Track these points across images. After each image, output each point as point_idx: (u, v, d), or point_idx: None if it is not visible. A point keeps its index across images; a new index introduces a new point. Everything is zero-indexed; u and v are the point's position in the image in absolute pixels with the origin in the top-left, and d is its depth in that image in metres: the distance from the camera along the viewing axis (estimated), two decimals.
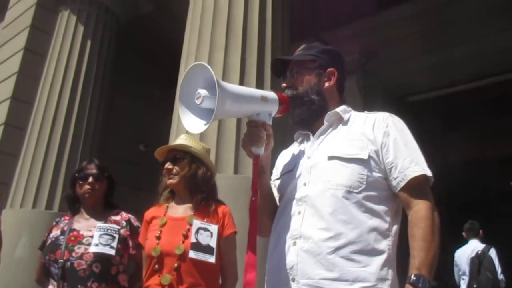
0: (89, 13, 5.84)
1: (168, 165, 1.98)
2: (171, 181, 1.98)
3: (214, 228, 1.87)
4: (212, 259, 1.81)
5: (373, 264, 1.25)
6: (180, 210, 1.99)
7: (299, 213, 1.36)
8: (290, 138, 1.66)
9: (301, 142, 1.57)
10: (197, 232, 1.84)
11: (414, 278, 1.19)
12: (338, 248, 1.26)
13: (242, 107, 1.35)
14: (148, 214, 2.05)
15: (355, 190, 1.31)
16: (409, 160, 1.33)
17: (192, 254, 1.80)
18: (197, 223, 1.87)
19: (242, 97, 1.34)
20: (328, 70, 1.52)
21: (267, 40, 3.29)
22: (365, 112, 1.52)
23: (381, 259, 1.26)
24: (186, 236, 1.85)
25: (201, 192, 1.99)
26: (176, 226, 1.91)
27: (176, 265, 1.82)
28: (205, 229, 1.85)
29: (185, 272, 1.81)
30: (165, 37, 6.31)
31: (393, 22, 5.42)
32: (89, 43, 5.73)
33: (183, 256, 1.82)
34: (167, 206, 2.02)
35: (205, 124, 1.30)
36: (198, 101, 1.29)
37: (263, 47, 3.25)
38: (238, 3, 3.33)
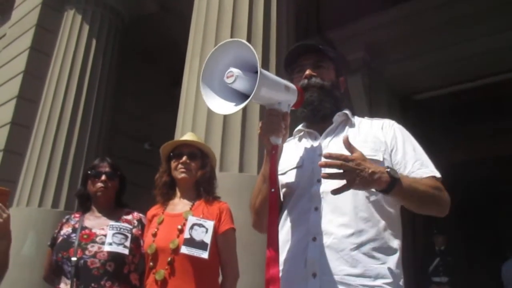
0: (94, 12, 5.86)
1: (186, 159, 2.00)
2: (184, 175, 1.99)
3: (209, 224, 1.86)
4: (204, 255, 1.79)
5: (390, 262, 1.29)
6: (178, 207, 2.00)
7: (315, 209, 1.36)
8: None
9: (301, 139, 1.58)
10: (191, 228, 1.83)
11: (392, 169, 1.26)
12: (360, 245, 1.29)
13: (272, 94, 1.32)
14: (150, 212, 2.08)
15: (373, 190, 1.34)
16: (419, 163, 1.39)
17: (184, 249, 1.80)
18: (192, 219, 1.86)
19: (275, 84, 1.32)
20: (341, 78, 1.59)
21: (272, 38, 3.29)
22: (365, 117, 1.57)
23: (395, 257, 1.31)
24: (181, 231, 1.86)
25: (205, 190, 2.01)
26: (173, 222, 1.92)
27: (169, 259, 1.82)
28: (200, 225, 1.84)
29: (179, 266, 1.81)
30: (170, 37, 6.31)
31: (398, 20, 5.39)
32: (94, 42, 5.74)
33: (177, 251, 1.82)
34: (167, 204, 2.03)
35: (235, 106, 1.25)
36: (228, 80, 1.23)
37: (267, 44, 3.25)
38: (243, 1, 3.33)
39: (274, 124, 1.33)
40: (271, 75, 1.33)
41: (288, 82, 1.40)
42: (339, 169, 1.18)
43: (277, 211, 1.29)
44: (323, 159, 1.22)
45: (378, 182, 1.20)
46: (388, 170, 1.23)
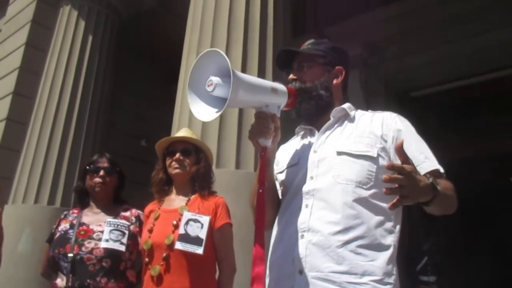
0: (90, 8, 5.82)
1: (179, 155, 2.00)
2: (178, 171, 1.99)
3: (205, 219, 1.85)
4: (199, 250, 1.79)
5: (380, 259, 1.28)
6: (174, 202, 2.00)
7: (306, 206, 1.36)
8: (287, 133, 1.65)
9: (303, 137, 1.58)
10: (187, 223, 1.83)
11: (432, 179, 1.20)
12: (347, 242, 1.28)
13: (254, 97, 1.33)
14: (147, 208, 2.09)
15: (364, 186, 1.34)
16: (423, 156, 1.37)
17: (178, 245, 1.80)
18: (187, 214, 1.86)
19: (255, 87, 1.32)
20: (337, 68, 1.55)
21: (269, 34, 3.27)
22: (369, 111, 1.55)
23: (387, 254, 1.30)
24: (176, 226, 1.86)
25: (200, 185, 2.01)
26: (168, 218, 1.92)
27: (165, 255, 1.83)
28: (196, 221, 1.84)
29: (174, 262, 1.81)
30: (167, 33, 6.29)
31: (396, 17, 5.38)
32: (90, 38, 5.71)
33: (172, 246, 1.82)
34: (163, 200, 2.03)
35: (217, 112, 1.27)
36: (209, 88, 1.26)
37: (264, 41, 3.24)
38: None
39: (262, 126, 1.34)
40: (251, 78, 1.34)
41: (277, 83, 1.40)
42: (401, 183, 1.09)
43: (264, 211, 1.29)
44: (385, 175, 1.12)
45: (425, 195, 1.17)
46: (431, 181, 1.18)
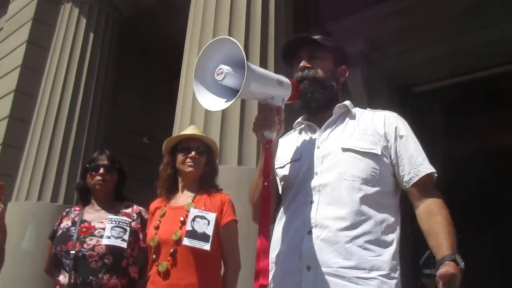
0: (91, 5, 5.81)
1: (195, 154, 2.01)
2: (192, 169, 2.01)
3: (211, 216, 1.87)
4: (206, 246, 1.81)
5: (385, 254, 1.30)
6: (180, 199, 2.02)
7: (311, 202, 1.36)
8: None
9: (301, 132, 1.58)
10: (193, 220, 1.85)
11: (454, 256, 1.24)
12: (355, 238, 1.29)
13: (263, 89, 1.32)
14: (153, 205, 2.10)
15: (369, 183, 1.36)
16: (422, 158, 1.40)
17: (186, 241, 1.82)
18: (194, 211, 1.88)
19: (265, 79, 1.32)
20: (342, 67, 1.57)
21: (270, 28, 3.26)
22: (368, 109, 1.56)
23: (391, 250, 1.32)
24: (183, 223, 1.88)
25: (209, 185, 2.04)
26: (175, 214, 1.94)
27: (172, 250, 1.84)
28: (202, 217, 1.86)
29: (181, 258, 1.83)
30: (168, 30, 6.28)
31: (397, 13, 5.36)
32: (91, 35, 5.71)
33: (179, 242, 1.84)
34: (169, 197, 2.04)
35: (226, 102, 1.26)
36: (219, 77, 1.24)
37: (266, 35, 3.22)
38: None
39: (268, 119, 1.34)
40: (262, 70, 1.33)
41: (281, 76, 1.39)
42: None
43: (269, 205, 1.30)
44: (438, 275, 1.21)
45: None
46: (457, 260, 1.24)
